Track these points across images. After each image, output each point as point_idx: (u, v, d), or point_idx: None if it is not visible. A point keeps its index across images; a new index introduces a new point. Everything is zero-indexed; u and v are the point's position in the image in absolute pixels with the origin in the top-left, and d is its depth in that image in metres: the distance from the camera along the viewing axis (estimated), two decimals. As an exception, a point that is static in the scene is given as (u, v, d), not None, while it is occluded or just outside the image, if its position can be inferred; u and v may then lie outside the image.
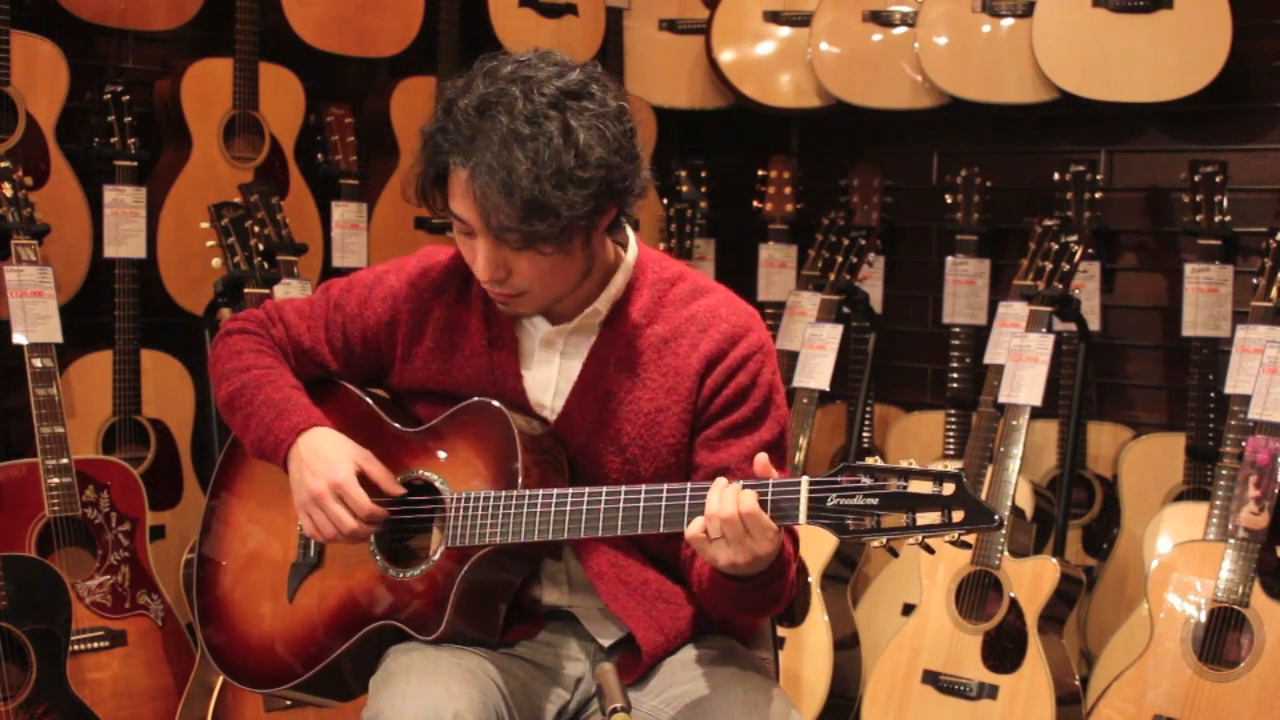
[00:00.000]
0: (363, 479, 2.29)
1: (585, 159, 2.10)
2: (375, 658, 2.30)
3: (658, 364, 2.28)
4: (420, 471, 2.32)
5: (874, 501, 2.00)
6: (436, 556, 2.26)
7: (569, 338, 2.32)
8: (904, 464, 2.02)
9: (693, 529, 2.07)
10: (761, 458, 2.09)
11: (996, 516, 1.99)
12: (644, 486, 2.15)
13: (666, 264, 2.36)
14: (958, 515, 1.98)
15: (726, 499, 2.05)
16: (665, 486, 2.14)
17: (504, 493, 2.21)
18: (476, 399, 2.30)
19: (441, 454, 2.32)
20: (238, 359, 2.42)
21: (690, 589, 2.33)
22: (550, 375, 2.33)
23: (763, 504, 2.05)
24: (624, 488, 2.16)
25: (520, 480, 2.21)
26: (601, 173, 2.11)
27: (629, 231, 2.33)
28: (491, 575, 2.26)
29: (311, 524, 2.30)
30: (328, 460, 2.28)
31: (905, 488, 2.00)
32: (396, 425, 2.38)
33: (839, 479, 2.02)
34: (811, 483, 2.04)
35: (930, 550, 2.10)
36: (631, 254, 2.32)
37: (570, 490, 2.19)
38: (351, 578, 2.34)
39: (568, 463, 2.31)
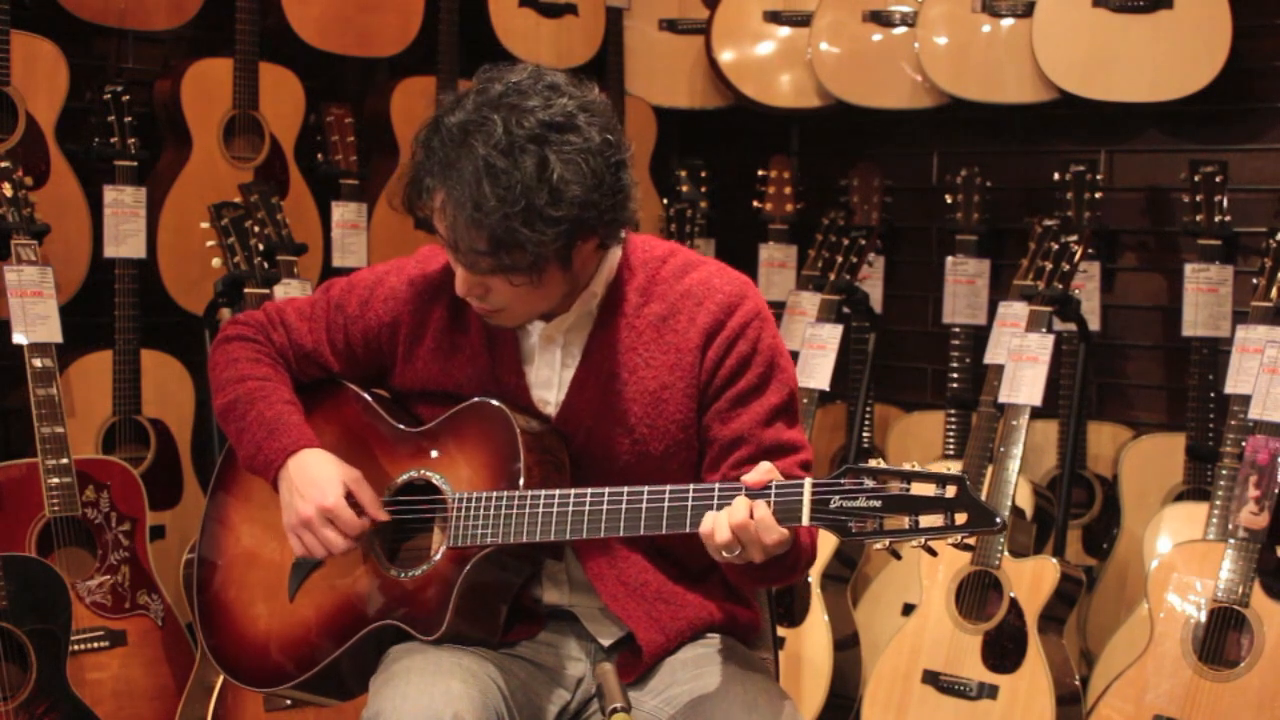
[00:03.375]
0: (351, 501, 2.29)
1: (559, 196, 2.09)
2: (376, 657, 2.30)
3: (658, 342, 2.29)
4: (422, 471, 2.33)
5: (877, 504, 2.01)
6: (438, 557, 2.26)
7: (568, 330, 2.33)
8: (907, 466, 2.02)
9: (704, 529, 2.08)
10: (763, 465, 2.10)
11: (999, 520, 1.99)
12: (646, 488, 2.15)
13: (654, 243, 2.36)
14: (960, 518, 1.99)
15: (736, 508, 2.06)
16: (668, 488, 2.14)
17: (506, 493, 2.21)
18: (478, 399, 2.31)
19: (443, 454, 2.32)
20: (234, 368, 2.42)
21: (697, 591, 2.34)
22: (553, 370, 2.33)
23: (765, 504, 2.05)
24: (626, 489, 2.16)
25: (522, 480, 2.21)
26: (575, 210, 2.10)
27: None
28: (493, 576, 2.26)
29: (302, 546, 2.32)
30: (316, 484, 2.29)
31: (908, 490, 2.00)
32: (398, 425, 2.38)
33: (842, 481, 2.03)
34: (814, 485, 2.04)
35: (933, 553, 2.10)
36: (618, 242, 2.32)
37: (572, 491, 2.19)
38: (352, 577, 2.34)
39: (570, 460, 2.31)
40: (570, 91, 2.15)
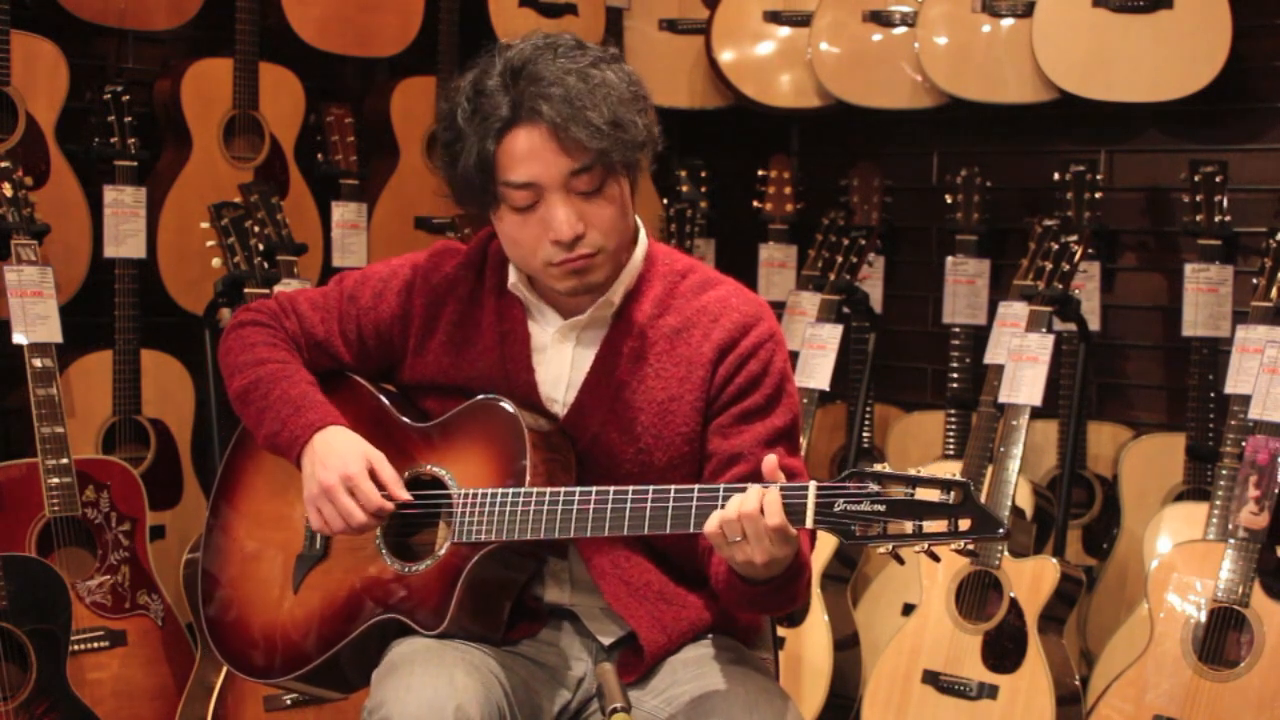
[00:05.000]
0: (373, 478, 2.29)
1: (630, 80, 2.20)
2: (378, 651, 2.30)
3: (670, 354, 2.30)
4: (429, 466, 2.33)
5: (881, 508, 2.01)
6: (442, 552, 2.27)
7: (581, 332, 2.33)
8: (912, 471, 2.02)
9: (710, 524, 2.08)
10: (770, 460, 2.10)
11: (1003, 527, 1.99)
12: (651, 487, 2.16)
13: (676, 257, 2.38)
14: (964, 524, 1.99)
15: (749, 497, 2.06)
16: (673, 487, 2.14)
17: (511, 490, 2.22)
18: (487, 396, 2.31)
19: (450, 449, 2.33)
20: (251, 352, 2.42)
21: (699, 592, 2.34)
22: (563, 370, 2.34)
23: None
24: (631, 488, 2.17)
25: (528, 478, 2.22)
26: (642, 94, 2.22)
27: (640, 225, 2.34)
28: (496, 572, 2.27)
29: (320, 517, 2.31)
30: (340, 455, 2.29)
31: (912, 495, 2.00)
32: (406, 420, 2.39)
33: (846, 484, 2.03)
34: (819, 487, 2.05)
35: (936, 558, 2.10)
36: (642, 247, 2.33)
37: (578, 489, 2.19)
38: (357, 570, 2.34)
39: (576, 461, 2.31)
40: (557, 33, 2.26)
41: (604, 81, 2.16)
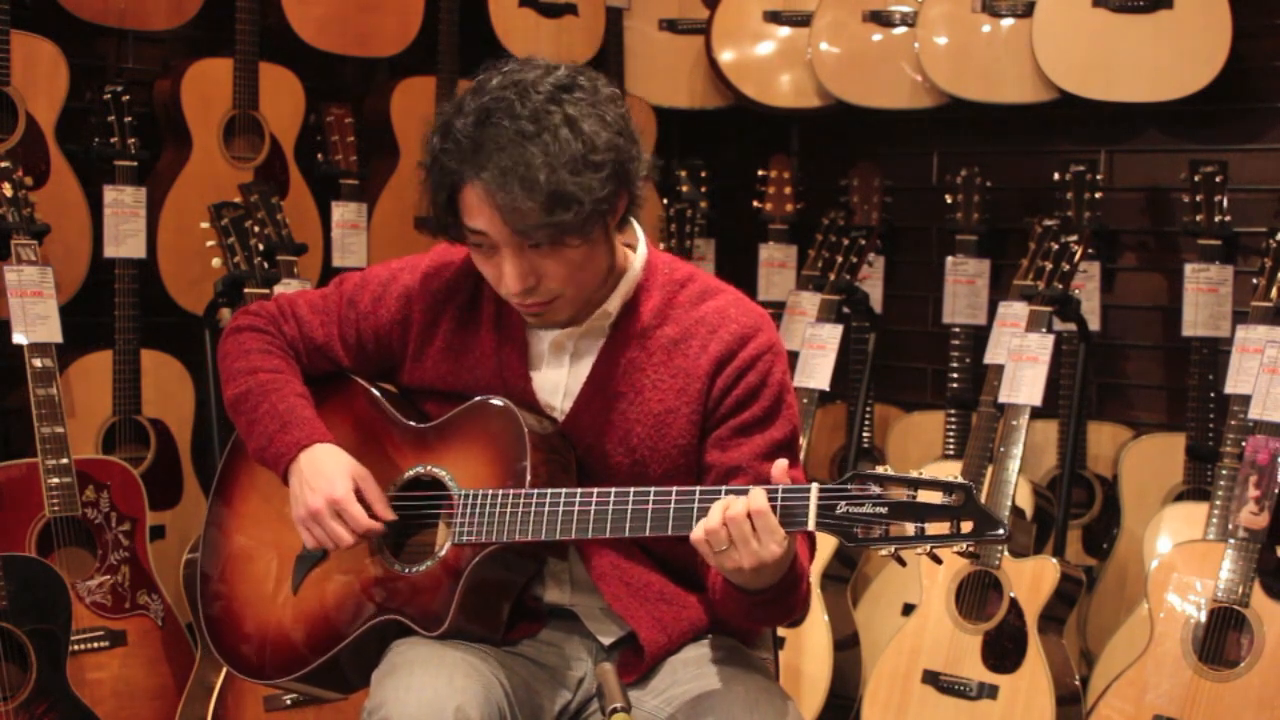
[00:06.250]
0: (359, 497, 2.29)
1: (594, 144, 2.13)
2: (378, 652, 2.30)
3: (667, 365, 2.29)
4: (429, 467, 2.33)
5: (883, 510, 2.01)
6: (442, 553, 2.27)
7: (579, 340, 2.33)
8: (914, 474, 2.02)
9: (696, 533, 2.08)
10: (780, 464, 2.09)
11: (1004, 529, 1.99)
12: (652, 489, 2.16)
13: (677, 265, 2.36)
14: (966, 526, 1.99)
15: (734, 502, 2.05)
16: (674, 489, 2.14)
17: (511, 491, 2.22)
18: (487, 396, 2.31)
19: (450, 450, 2.32)
20: (246, 359, 2.42)
21: (699, 592, 2.34)
22: (560, 378, 2.33)
23: (772, 509, 2.05)
24: (632, 489, 2.16)
25: (528, 479, 2.22)
26: (611, 155, 2.15)
27: (639, 233, 2.33)
28: (496, 573, 2.27)
29: (311, 538, 2.32)
30: (326, 477, 2.29)
31: (914, 497, 2.00)
32: (406, 420, 2.39)
33: (848, 486, 2.03)
34: (821, 489, 2.04)
35: (938, 560, 2.10)
36: (641, 255, 2.32)
37: (578, 490, 2.19)
38: (356, 571, 2.34)
39: (576, 463, 2.31)
40: (560, 64, 2.22)
41: (554, 146, 2.10)
